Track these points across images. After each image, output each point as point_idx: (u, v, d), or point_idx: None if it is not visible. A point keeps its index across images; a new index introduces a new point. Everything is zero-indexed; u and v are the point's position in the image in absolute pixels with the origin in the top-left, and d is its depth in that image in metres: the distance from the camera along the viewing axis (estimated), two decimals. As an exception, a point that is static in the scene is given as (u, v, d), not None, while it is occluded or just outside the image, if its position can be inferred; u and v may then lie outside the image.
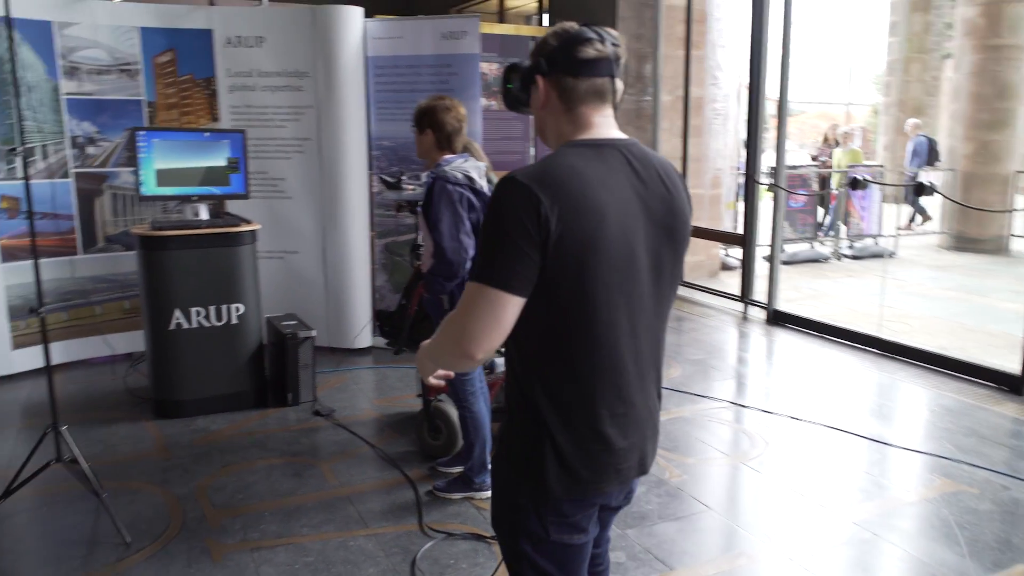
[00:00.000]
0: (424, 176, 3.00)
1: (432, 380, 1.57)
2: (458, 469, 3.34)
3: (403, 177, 3.98)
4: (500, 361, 3.71)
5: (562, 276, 1.37)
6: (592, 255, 1.37)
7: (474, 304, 1.37)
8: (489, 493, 3.14)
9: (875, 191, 9.46)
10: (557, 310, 1.40)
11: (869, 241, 9.58)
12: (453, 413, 3.55)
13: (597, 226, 1.37)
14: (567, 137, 1.50)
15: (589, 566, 1.69)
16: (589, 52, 1.46)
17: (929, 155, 10.69)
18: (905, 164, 11.26)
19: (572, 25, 1.49)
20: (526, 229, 1.33)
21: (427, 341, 1.56)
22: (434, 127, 3.01)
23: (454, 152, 3.07)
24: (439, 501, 3.18)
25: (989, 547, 2.85)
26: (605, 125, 1.51)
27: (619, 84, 1.51)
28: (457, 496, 3.21)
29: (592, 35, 1.46)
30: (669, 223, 1.49)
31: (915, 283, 7.99)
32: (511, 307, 1.36)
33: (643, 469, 1.56)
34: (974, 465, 3.52)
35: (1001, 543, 2.88)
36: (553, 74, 1.48)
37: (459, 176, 2.94)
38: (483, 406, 3.18)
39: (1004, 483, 3.36)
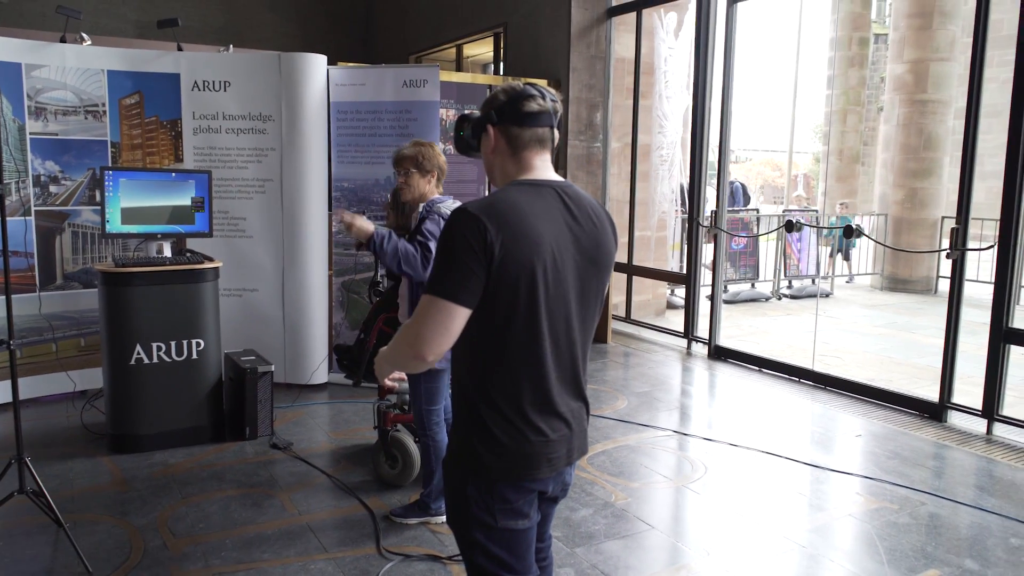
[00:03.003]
0: (420, 208, 3.22)
1: (387, 382, 1.80)
2: (413, 520, 3.38)
3: (364, 216, 4.16)
4: None
5: (501, 293, 1.62)
6: (527, 277, 1.62)
7: (427, 314, 1.60)
8: (444, 518, 3.29)
9: (811, 234, 9.95)
10: (495, 322, 1.65)
11: (807, 281, 10.04)
12: (409, 443, 3.69)
13: (533, 253, 1.63)
14: (512, 177, 1.77)
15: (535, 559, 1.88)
16: (532, 106, 1.74)
17: (743, 198, 11.89)
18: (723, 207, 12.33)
19: (518, 84, 1.78)
20: (474, 252, 1.58)
21: (385, 348, 1.80)
22: (437, 169, 3.27)
23: (441, 192, 3.34)
24: (396, 527, 3.31)
25: (906, 555, 3.10)
26: (544, 168, 1.78)
27: (556, 133, 1.80)
28: (414, 521, 3.33)
29: (535, 92, 1.75)
30: (595, 254, 1.75)
31: (849, 321, 8.42)
32: (459, 317, 1.60)
33: (570, 460, 1.79)
34: (895, 484, 3.80)
35: (916, 551, 3.14)
36: (502, 124, 1.75)
37: (446, 212, 3.17)
38: (445, 436, 3.33)
39: (921, 499, 3.64)
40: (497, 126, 1.76)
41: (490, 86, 5.90)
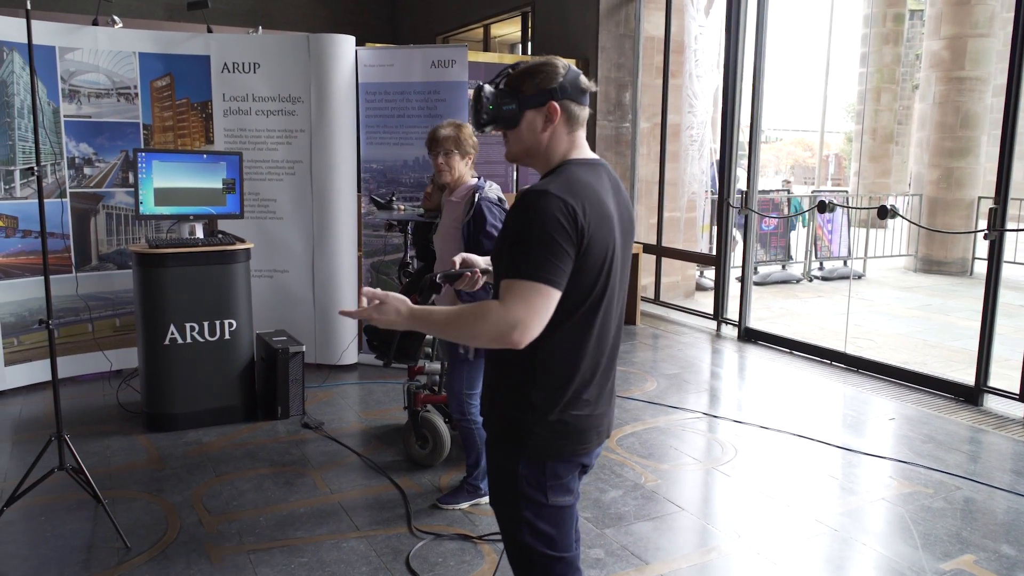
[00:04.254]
0: (475, 198, 3.13)
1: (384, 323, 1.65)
2: (465, 504, 3.35)
3: (393, 198, 4.17)
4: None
5: (583, 272, 1.61)
6: (605, 256, 1.63)
7: (526, 299, 1.54)
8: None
9: (841, 215, 9.79)
10: (571, 300, 1.63)
11: (839, 263, 9.90)
12: (439, 423, 3.71)
13: (609, 233, 1.64)
14: (563, 157, 1.72)
15: None
16: (588, 84, 1.73)
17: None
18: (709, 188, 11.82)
19: (556, 59, 1.73)
20: (568, 234, 1.56)
21: (427, 309, 1.67)
22: (472, 152, 3.26)
23: (475, 172, 3.32)
24: (426, 506, 3.32)
25: (940, 540, 3.07)
26: (587, 147, 1.76)
27: None
28: (466, 505, 3.32)
29: (579, 70, 1.74)
30: (630, 229, 1.78)
31: (882, 303, 8.29)
32: (555, 300, 1.58)
33: (608, 432, 1.83)
34: (930, 468, 3.75)
35: (951, 536, 3.10)
36: (564, 100, 1.69)
37: (495, 197, 3.17)
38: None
39: (956, 484, 3.59)
40: (560, 102, 1.69)
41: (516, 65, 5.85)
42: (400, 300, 1.68)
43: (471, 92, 1.80)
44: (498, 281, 1.66)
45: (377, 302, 1.67)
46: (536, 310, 1.55)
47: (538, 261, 1.54)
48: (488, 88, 1.72)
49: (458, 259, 1.95)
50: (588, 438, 1.73)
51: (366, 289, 1.70)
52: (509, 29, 9.65)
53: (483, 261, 2.01)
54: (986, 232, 4.54)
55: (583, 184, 1.63)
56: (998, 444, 4.10)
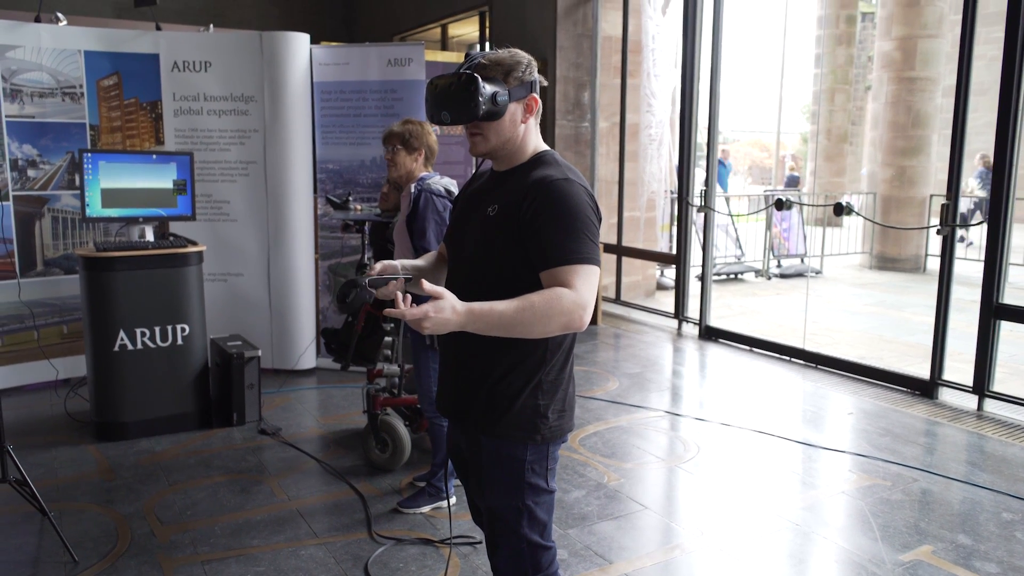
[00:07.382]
0: (412, 188, 3.15)
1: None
2: (426, 508, 3.29)
3: (350, 198, 4.10)
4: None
5: None
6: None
7: (589, 283, 1.61)
8: (453, 500, 3.25)
9: (794, 213, 9.95)
10: None
11: (796, 260, 10.04)
12: (399, 426, 3.65)
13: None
14: (537, 148, 1.76)
15: None
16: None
17: None
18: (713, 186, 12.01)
19: (515, 51, 1.74)
20: (597, 218, 1.69)
21: (488, 305, 1.53)
22: (426, 147, 3.23)
23: (430, 171, 3.27)
24: (387, 511, 3.26)
25: (899, 532, 3.10)
26: None
27: None
28: (427, 508, 3.26)
29: None
30: None
31: (839, 300, 8.42)
32: None
33: None
34: (887, 461, 3.80)
35: (909, 528, 3.13)
36: (536, 92, 1.74)
37: (441, 189, 3.14)
38: None
39: (913, 476, 3.64)
40: (536, 94, 1.74)
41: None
42: (454, 297, 1.51)
43: (426, 87, 1.76)
44: (486, 266, 1.69)
45: (435, 299, 1.50)
46: (595, 291, 1.63)
47: (588, 245, 1.63)
48: (482, 81, 1.64)
49: (378, 267, 1.85)
50: (574, 414, 1.80)
51: (426, 285, 1.49)
52: (467, 29, 9.61)
53: (400, 265, 1.90)
54: (939, 228, 4.63)
55: (579, 172, 1.73)
56: (953, 436, 4.17)
